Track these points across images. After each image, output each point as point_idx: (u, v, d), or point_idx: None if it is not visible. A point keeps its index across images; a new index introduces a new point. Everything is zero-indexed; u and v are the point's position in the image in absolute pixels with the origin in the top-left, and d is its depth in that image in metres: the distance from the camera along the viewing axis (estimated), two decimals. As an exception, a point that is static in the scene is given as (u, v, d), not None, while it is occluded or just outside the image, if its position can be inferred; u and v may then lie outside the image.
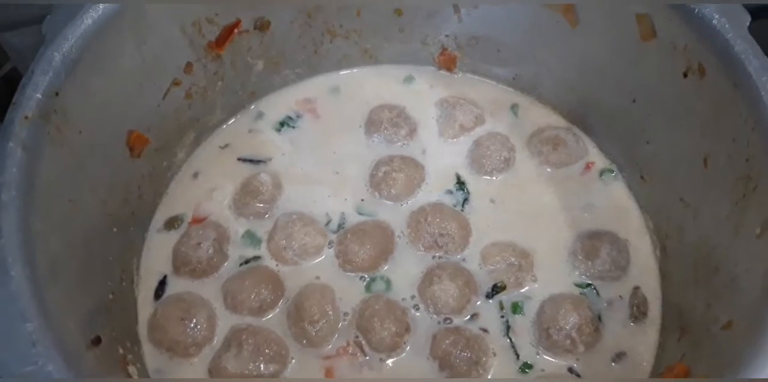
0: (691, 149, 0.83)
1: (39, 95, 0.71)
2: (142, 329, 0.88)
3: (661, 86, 0.86)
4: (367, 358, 0.86)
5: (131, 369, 0.79)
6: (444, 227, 0.93)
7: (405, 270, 0.93)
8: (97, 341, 0.71)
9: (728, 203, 0.76)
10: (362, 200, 0.98)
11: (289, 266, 0.93)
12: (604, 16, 0.89)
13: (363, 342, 0.87)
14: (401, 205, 0.98)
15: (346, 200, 0.99)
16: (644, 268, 0.92)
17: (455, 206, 0.98)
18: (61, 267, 0.69)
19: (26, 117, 0.69)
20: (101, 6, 0.76)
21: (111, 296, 0.83)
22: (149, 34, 0.84)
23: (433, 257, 0.93)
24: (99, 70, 0.78)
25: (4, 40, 1.12)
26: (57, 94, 0.72)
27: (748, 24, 0.75)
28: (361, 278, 0.92)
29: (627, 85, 0.92)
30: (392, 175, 0.98)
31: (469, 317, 0.89)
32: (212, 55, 0.95)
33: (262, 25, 0.98)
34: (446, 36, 1.06)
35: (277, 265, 0.93)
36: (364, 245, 0.92)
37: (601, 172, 1.01)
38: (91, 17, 0.76)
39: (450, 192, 0.99)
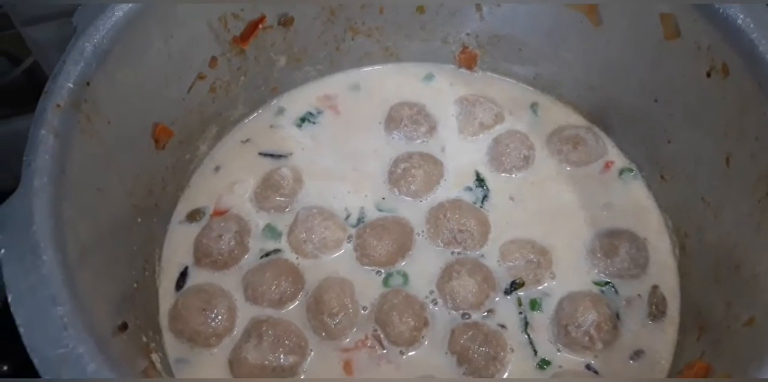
0: (713, 148, 0.83)
1: (70, 84, 0.72)
2: (163, 319, 0.89)
3: (684, 86, 0.86)
4: (385, 351, 0.87)
5: (154, 357, 0.80)
6: (463, 223, 0.94)
7: (422, 266, 0.93)
8: (123, 326, 0.72)
9: (750, 201, 0.76)
10: (383, 198, 0.99)
11: (309, 260, 0.94)
12: (627, 15, 0.89)
13: (381, 336, 0.88)
14: (420, 201, 0.99)
15: (366, 196, 0.99)
16: (663, 267, 0.93)
17: (475, 202, 0.98)
18: (89, 254, 0.70)
19: (58, 105, 0.70)
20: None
21: (135, 285, 0.83)
22: (176, 28, 0.85)
23: (452, 253, 0.94)
24: (128, 62, 0.79)
25: (26, 35, 1.14)
26: (88, 83, 0.73)
27: (773, 24, 0.75)
28: (377, 272, 0.93)
29: (649, 85, 0.92)
30: (411, 171, 0.99)
31: (487, 312, 0.89)
32: (236, 50, 0.97)
33: (285, 21, 0.99)
34: (467, 34, 1.07)
35: (297, 258, 0.94)
36: (382, 239, 0.92)
37: (621, 172, 1.01)
38: (121, 9, 0.77)
39: (469, 189, 1.00)
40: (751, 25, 0.75)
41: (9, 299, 0.60)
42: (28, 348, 0.58)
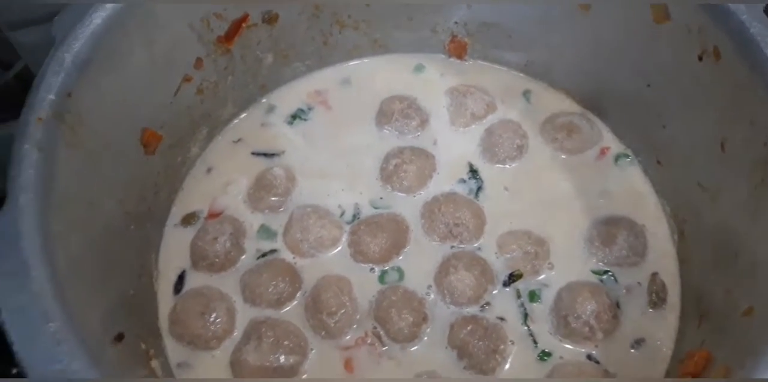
0: (709, 133, 0.82)
1: (52, 96, 0.71)
2: (163, 324, 0.89)
3: (677, 70, 0.85)
4: (386, 348, 0.87)
5: (154, 363, 0.80)
6: (458, 217, 0.93)
7: (418, 261, 0.93)
8: (120, 337, 0.72)
9: (747, 187, 0.75)
10: (378, 196, 0.98)
11: (306, 259, 0.93)
12: (616, -1, 0.88)
13: (381, 333, 0.88)
14: (413, 196, 0.98)
15: (360, 193, 0.99)
16: (662, 253, 0.92)
17: (469, 194, 0.98)
18: (81, 266, 0.70)
19: (40, 119, 0.69)
20: (109, 5, 0.76)
21: (131, 292, 0.84)
22: (158, 32, 0.84)
23: (452, 247, 0.93)
24: (110, 70, 0.78)
25: (14, 39, 1.13)
26: (70, 94, 0.72)
27: (764, 6, 0.73)
28: (371, 269, 0.92)
29: (641, 69, 0.90)
30: (403, 167, 0.98)
31: (486, 306, 0.89)
32: (222, 50, 0.95)
33: (270, 19, 0.97)
34: (456, 23, 1.05)
35: (294, 257, 0.94)
36: (376, 236, 0.92)
37: (617, 158, 1.00)
38: (99, 16, 0.76)
39: (463, 181, 0.99)
40: (741, 7, 0.73)
41: (1, 317, 0.60)
42: (24, 365, 0.59)
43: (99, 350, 0.64)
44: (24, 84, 1.33)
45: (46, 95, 0.71)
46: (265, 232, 0.96)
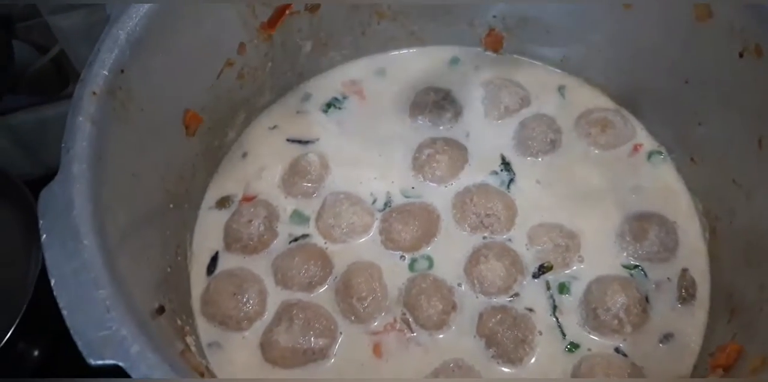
0: (746, 130, 0.82)
1: (105, 72, 0.73)
2: (195, 304, 0.91)
3: (716, 67, 0.85)
4: (414, 334, 0.88)
5: (189, 340, 0.81)
6: (490, 207, 0.94)
7: (448, 251, 0.93)
8: (161, 310, 0.74)
9: (784, 183, 0.75)
10: (413, 187, 0.99)
11: (337, 244, 0.94)
12: (658, -4, 0.88)
13: (410, 319, 0.88)
14: (445, 186, 0.99)
15: (392, 182, 0.99)
16: (693, 250, 0.92)
17: (501, 186, 0.98)
18: (127, 239, 0.71)
19: (94, 93, 0.71)
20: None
21: (169, 270, 0.85)
22: (206, 15, 0.86)
23: (483, 238, 0.94)
24: (160, 49, 0.80)
25: (53, 23, 1.15)
26: (122, 71, 0.74)
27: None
28: (401, 257, 0.93)
29: (680, 67, 0.91)
30: (435, 157, 0.99)
31: (515, 296, 0.90)
32: (264, 36, 0.97)
33: (312, 7, 0.99)
34: (494, 17, 1.06)
35: (325, 243, 0.95)
36: (408, 224, 0.93)
37: (650, 155, 1.00)
38: (153, -2, 0.78)
39: (495, 173, 1.00)
40: (787, 5, 0.74)
41: (52, 283, 0.62)
42: (72, 331, 0.60)
43: (144, 320, 0.65)
44: (59, 69, 1.35)
45: (100, 70, 0.73)
46: (298, 217, 0.97)
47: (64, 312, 0.61)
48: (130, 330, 0.61)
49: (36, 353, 1.06)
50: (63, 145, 0.68)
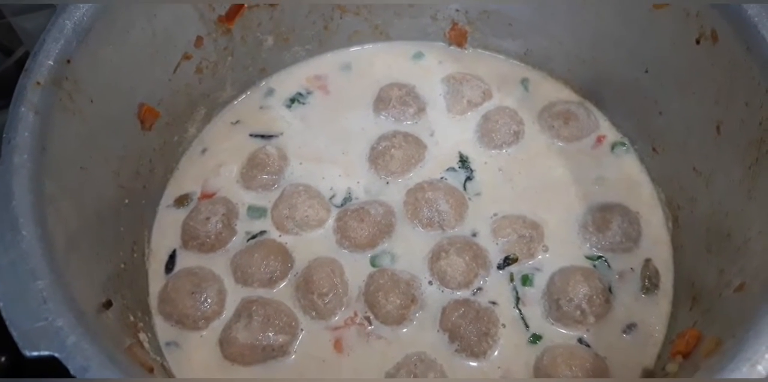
0: (704, 117, 0.82)
1: (51, 62, 0.72)
2: (153, 301, 0.89)
3: (674, 55, 0.85)
4: (372, 327, 0.87)
5: (142, 336, 0.79)
6: (439, 205, 0.93)
7: (409, 245, 0.93)
8: (108, 304, 0.72)
9: (741, 167, 0.75)
10: (373, 183, 0.98)
11: (290, 236, 0.93)
12: (616, -15, 0.88)
13: (371, 316, 0.87)
14: (399, 181, 0.98)
15: (353, 179, 0.99)
16: (656, 240, 0.92)
17: (459, 183, 0.97)
18: (73, 232, 0.70)
19: (38, 83, 0.70)
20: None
21: (122, 266, 0.83)
22: (160, 7, 0.85)
23: (442, 231, 0.93)
24: (110, 41, 0.79)
25: (16, 25, 1.13)
26: (68, 61, 0.73)
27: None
28: (363, 252, 0.92)
29: (640, 56, 0.91)
30: (390, 151, 0.98)
31: (478, 290, 0.89)
32: (222, 30, 0.96)
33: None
34: (457, 10, 1.06)
35: (280, 236, 0.93)
36: (362, 222, 0.92)
37: (613, 146, 1.00)
38: (102, -14, 0.77)
39: (453, 170, 0.99)
40: (739, -11, 0.74)
41: (-12, 274, 0.60)
42: (8, 322, 0.58)
43: (85, 312, 0.63)
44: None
45: (45, 60, 0.72)
46: (255, 210, 0.96)
47: (1, 303, 0.59)
48: (68, 321, 0.59)
49: (3, 359, 1.03)
50: (4, 135, 0.67)
